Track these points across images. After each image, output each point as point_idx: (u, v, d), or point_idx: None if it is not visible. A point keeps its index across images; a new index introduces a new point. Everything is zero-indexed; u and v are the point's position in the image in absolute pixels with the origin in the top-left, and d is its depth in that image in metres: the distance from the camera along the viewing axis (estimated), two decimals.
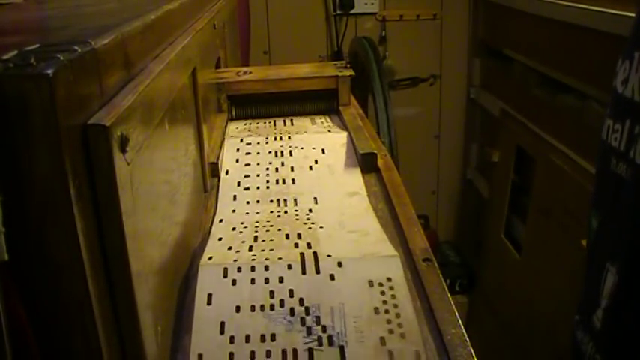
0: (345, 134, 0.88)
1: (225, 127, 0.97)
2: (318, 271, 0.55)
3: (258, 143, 0.87)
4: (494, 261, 1.87)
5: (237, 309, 0.50)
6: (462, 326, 0.50)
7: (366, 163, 0.80)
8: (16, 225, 0.29)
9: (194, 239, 0.63)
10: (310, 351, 0.47)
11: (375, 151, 0.82)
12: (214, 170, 0.78)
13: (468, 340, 0.49)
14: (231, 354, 0.46)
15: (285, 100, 1.03)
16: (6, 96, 0.28)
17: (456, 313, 0.52)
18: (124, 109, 0.36)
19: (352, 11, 2.10)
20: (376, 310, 0.50)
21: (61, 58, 0.30)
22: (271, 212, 0.68)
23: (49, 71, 0.28)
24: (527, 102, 1.71)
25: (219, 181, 0.77)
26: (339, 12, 2.10)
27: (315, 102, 1.04)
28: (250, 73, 1.04)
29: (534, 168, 1.59)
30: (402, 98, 2.16)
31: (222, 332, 0.48)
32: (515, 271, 1.69)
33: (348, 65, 1.07)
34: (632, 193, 0.52)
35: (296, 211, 0.68)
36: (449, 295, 0.54)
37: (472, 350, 0.48)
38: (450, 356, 0.47)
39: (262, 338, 0.48)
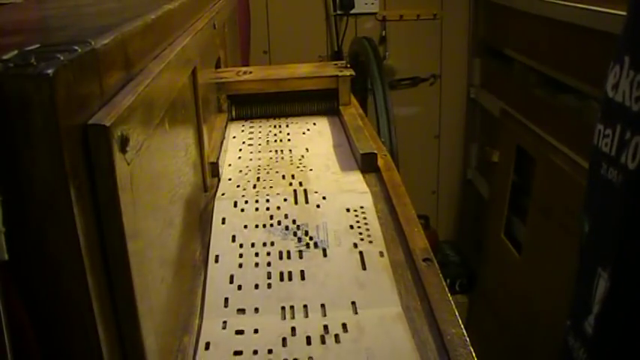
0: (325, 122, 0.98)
1: (226, 127, 0.97)
2: (307, 202, 0.71)
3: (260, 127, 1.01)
4: (494, 261, 1.87)
5: (245, 226, 0.67)
6: (462, 326, 0.50)
7: (366, 163, 0.80)
8: (16, 225, 0.29)
9: (194, 239, 0.63)
10: (300, 252, 0.62)
11: (375, 151, 0.82)
12: (214, 170, 0.78)
13: (467, 340, 0.49)
14: (240, 254, 0.62)
15: (285, 100, 1.03)
16: (6, 96, 0.28)
17: (456, 313, 0.52)
18: (124, 109, 0.36)
19: (352, 11, 2.10)
20: (351, 227, 0.66)
21: (61, 58, 0.30)
22: (270, 158, 0.86)
23: (49, 71, 0.28)
24: (527, 102, 1.71)
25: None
26: (339, 12, 2.10)
27: (315, 102, 1.04)
28: (250, 73, 1.04)
29: (534, 168, 1.59)
30: (402, 98, 2.16)
31: (233, 241, 0.64)
32: (515, 271, 1.69)
33: (348, 65, 1.07)
34: (623, 198, 0.52)
35: (291, 157, 0.86)
36: (449, 295, 0.54)
37: (472, 350, 0.48)
38: (450, 356, 0.47)
39: (264, 244, 0.63)
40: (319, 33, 2.15)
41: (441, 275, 0.57)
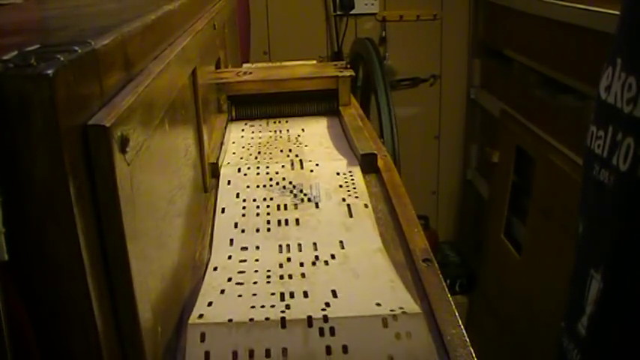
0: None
1: (226, 127, 0.97)
2: (302, 168, 0.81)
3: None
4: (494, 261, 1.87)
5: (247, 186, 0.76)
6: (462, 326, 0.50)
7: (366, 164, 0.80)
8: (16, 225, 0.29)
9: (194, 239, 0.63)
10: (296, 205, 0.71)
11: (375, 152, 0.82)
12: (214, 170, 0.78)
13: (468, 340, 0.49)
14: (243, 207, 0.71)
15: (285, 101, 1.03)
16: (6, 96, 0.28)
17: (456, 314, 0.52)
18: (124, 109, 0.36)
19: (352, 12, 2.10)
20: (340, 186, 0.75)
21: (61, 58, 0.30)
22: (270, 137, 0.95)
23: (49, 72, 0.28)
24: (527, 102, 1.71)
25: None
26: (339, 12, 2.10)
27: (315, 102, 1.04)
28: (250, 73, 1.04)
29: (534, 168, 1.59)
30: (402, 98, 2.16)
31: (237, 197, 0.73)
32: (515, 271, 1.69)
33: (348, 66, 1.07)
34: (615, 200, 0.52)
35: (288, 136, 0.95)
36: (449, 295, 0.54)
37: (472, 350, 0.48)
38: (450, 356, 0.47)
39: (264, 199, 0.73)
40: (319, 33, 2.15)
41: (440, 276, 0.57)
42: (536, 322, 1.46)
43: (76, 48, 0.32)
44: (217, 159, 0.81)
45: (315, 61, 1.32)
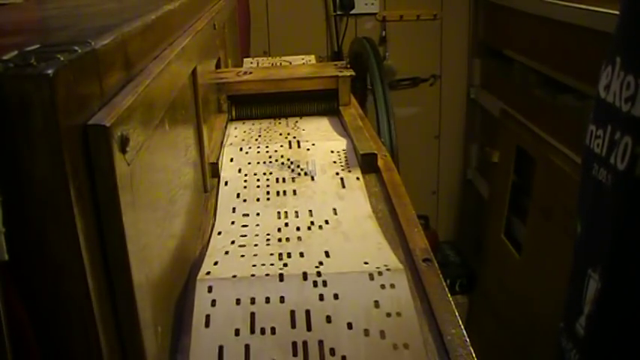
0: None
1: (226, 127, 0.97)
2: (299, 147, 0.87)
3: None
4: (494, 261, 1.87)
5: (248, 163, 0.82)
6: (462, 326, 0.50)
7: (366, 164, 0.80)
8: (16, 225, 0.29)
9: (194, 239, 0.63)
10: (293, 178, 0.77)
11: (375, 152, 0.82)
12: (214, 170, 0.78)
13: (468, 340, 0.49)
14: (245, 180, 0.77)
15: (285, 100, 1.03)
16: (6, 96, 0.28)
17: (456, 314, 0.52)
18: (124, 109, 0.36)
19: (352, 11, 2.10)
20: (334, 162, 0.82)
21: (61, 58, 0.30)
22: (270, 123, 1.01)
23: (50, 71, 0.28)
24: (527, 102, 1.71)
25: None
26: (339, 12, 2.10)
27: (315, 102, 1.04)
28: (250, 73, 1.04)
29: (534, 168, 1.59)
30: (402, 98, 2.16)
31: (239, 172, 0.80)
32: (515, 271, 1.69)
33: (348, 65, 1.07)
34: (613, 199, 0.52)
35: (287, 122, 1.02)
36: (449, 295, 0.54)
37: (472, 350, 0.48)
38: (450, 356, 0.47)
39: (264, 174, 0.79)
40: (319, 33, 2.15)
41: (441, 275, 0.57)
42: (536, 321, 1.46)
43: (76, 48, 0.32)
44: (217, 159, 0.81)
45: (313, 56, 1.37)
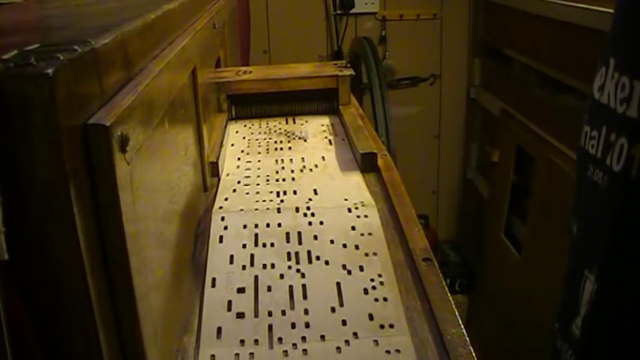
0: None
1: (225, 126, 0.97)
2: (294, 123, 1.02)
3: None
4: (494, 261, 1.87)
5: (251, 133, 0.97)
6: (462, 326, 0.50)
7: (366, 163, 0.80)
8: (16, 225, 0.29)
9: (194, 239, 0.63)
10: (289, 141, 0.92)
11: (375, 151, 0.81)
12: (214, 170, 0.78)
13: (468, 340, 0.49)
14: (248, 144, 0.92)
15: (285, 100, 1.03)
16: (6, 96, 0.28)
17: (456, 313, 0.52)
18: (124, 108, 0.36)
19: (352, 11, 2.10)
20: (324, 130, 0.97)
21: (61, 57, 0.30)
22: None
23: (49, 71, 0.28)
24: (527, 102, 1.71)
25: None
26: (339, 12, 2.10)
27: (315, 101, 1.04)
28: (250, 72, 1.04)
29: (534, 168, 1.59)
30: (402, 98, 2.16)
31: (243, 138, 0.94)
32: (515, 271, 1.69)
33: (348, 65, 1.07)
34: (608, 200, 0.52)
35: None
36: (449, 295, 0.54)
37: (472, 350, 0.48)
38: (450, 356, 0.47)
39: (264, 139, 0.94)
40: (319, 33, 2.15)
41: (441, 275, 0.57)
42: (536, 321, 1.46)
43: (76, 47, 0.32)
44: (217, 158, 0.80)
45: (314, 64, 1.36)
